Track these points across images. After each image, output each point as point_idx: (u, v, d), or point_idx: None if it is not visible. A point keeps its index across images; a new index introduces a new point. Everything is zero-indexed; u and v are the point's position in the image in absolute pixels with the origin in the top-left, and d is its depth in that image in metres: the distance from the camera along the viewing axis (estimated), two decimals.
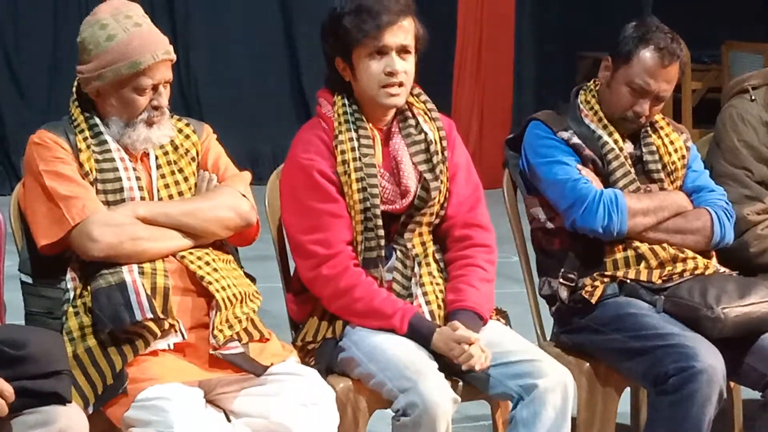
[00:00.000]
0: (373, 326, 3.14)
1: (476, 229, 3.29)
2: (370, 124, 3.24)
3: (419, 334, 3.12)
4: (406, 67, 3.18)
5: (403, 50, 3.17)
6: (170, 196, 3.10)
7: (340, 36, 3.17)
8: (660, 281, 3.43)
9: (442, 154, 3.27)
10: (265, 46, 9.13)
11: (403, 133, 3.26)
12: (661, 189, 3.56)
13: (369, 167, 3.18)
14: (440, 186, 3.25)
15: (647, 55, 3.48)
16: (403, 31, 3.16)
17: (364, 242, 3.18)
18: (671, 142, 3.62)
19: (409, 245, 3.24)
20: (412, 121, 3.27)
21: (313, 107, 9.17)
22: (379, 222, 3.18)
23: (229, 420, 2.96)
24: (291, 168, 3.24)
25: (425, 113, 3.30)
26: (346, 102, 3.22)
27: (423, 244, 3.28)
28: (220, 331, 2.97)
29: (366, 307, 3.14)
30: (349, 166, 3.17)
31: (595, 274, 3.47)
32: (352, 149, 3.19)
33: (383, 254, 3.20)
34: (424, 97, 3.32)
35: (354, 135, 3.20)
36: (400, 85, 3.18)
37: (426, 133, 3.26)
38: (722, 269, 3.53)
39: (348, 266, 3.16)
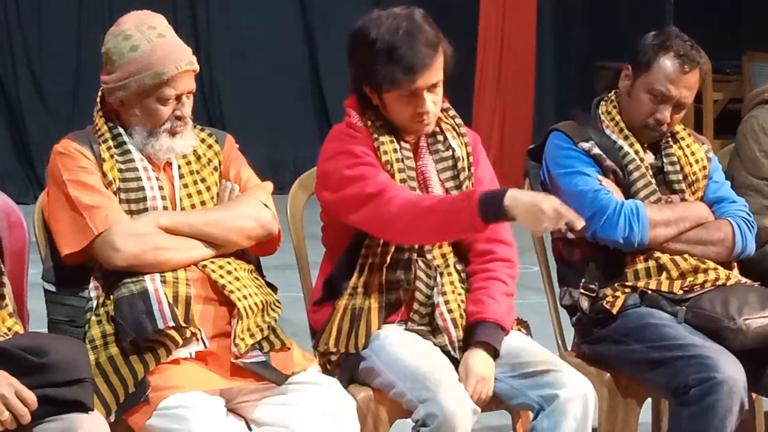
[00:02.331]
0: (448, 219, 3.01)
1: (498, 245, 3.28)
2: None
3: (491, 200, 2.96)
4: (435, 99, 3.16)
5: (433, 86, 3.15)
6: (193, 206, 3.12)
7: (369, 76, 3.12)
8: (681, 292, 3.43)
9: (469, 170, 3.27)
10: (287, 57, 9.16)
11: (431, 149, 3.27)
12: (682, 200, 3.56)
13: (410, 170, 3.19)
14: None
15: (667, 62, 3.48)
16: (435, 70, 3.13)
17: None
18: (692, 153, 3.61)
19: (429, 256, 3.25)
20: (440, 137, 3.27)
21: (334, 117, 9.18)
22: None
23: (249, 429, 2.97)
24: (331, 158, 3.18)
25: (453, 129, 3.30)
26: (379, 115, 3.21)
27: (443, 255, 3.28)
28: (242, 339, 2.98)
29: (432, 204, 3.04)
30: (392, 167, 3.17)
31: (616, 285, 3.47)
32: (395, 150, 3.19)
33: (414, 257, 3.19)
34: (452, 112, 3.31)
35: (394, 138, 3.20)
36: (431, 115, 3.17)
37: (453, 150, 3.26)
38: (744, 280, 3.52)
39: (399, 193, 3.06)
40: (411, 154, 3.22)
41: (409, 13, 3.15)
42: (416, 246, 3.19)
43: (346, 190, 3.14)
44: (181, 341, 2.95)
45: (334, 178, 3.18)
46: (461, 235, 3.17)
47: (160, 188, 3.08)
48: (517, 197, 2.95)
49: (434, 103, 3.16)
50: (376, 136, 3.19)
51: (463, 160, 3.27)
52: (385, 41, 3.09)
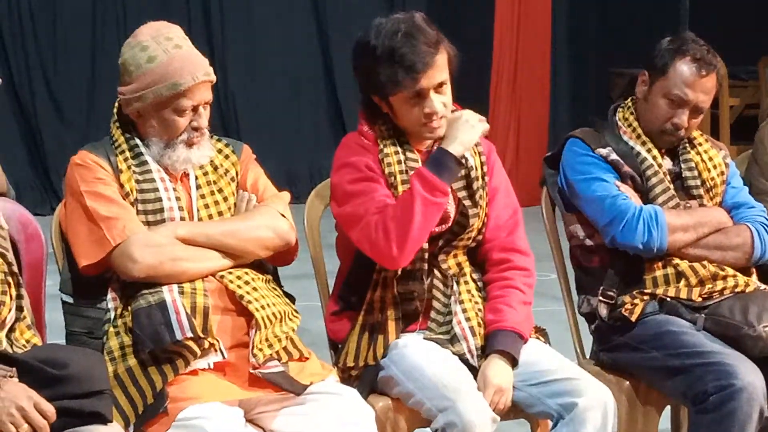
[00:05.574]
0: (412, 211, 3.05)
1: (515, 254, 3.28)
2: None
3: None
4: (444, 99, 3.16)
5: (439, 86, 3.15)
6: (210, 217, 3.12)
7: (374, 82, 3.13)
8: (700, 299, 3.42)
9: (483, 179, 3.27)
10: (302, 66, 9.19)
11: None
12: (701, 205, 3.55)
13: None
14: (479, 212, 3.24)
15: (684, 66, 3.48)
16: (438, 70, 3.12)
17: None
18: (710, 159, 3.61)
19: (444, 266, 3.24)
20: None
21: (349, 126, 9.20)
22: None
23: None
24: (338, 170, 3.21)
25: None
26: (389, 125, 3.22)
27: (458, 264, 3.27)
28: (260, 350, 2.98)
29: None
30: (395, 180, 3.18)
31: (634, 292, 3.46)
32: (399, 162, 3.19)
33: (425, 268, 3.19)
34: None
35: (399, 149, 3.20)
36: (441, 117, 3.17)
37: (466, 159, 3.24)
38: (763, 286, 3.51)
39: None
40: (418, 165, 3.21)
41: (409, 16, 3.17)
42: (427, 256, 3.19)
43: (346, 205, 3.16)
44: (199, 352, 2.95)
45: (338, 192, 3.20)
46: (434, 208, 3.09)
47: (177, 199, 3.09)
48: (449, 139, 3.12)
49: (443, 104, 3.16)
50: (381, 147, 3.20)
51: (476, 170, 3.26)
52: (385, 45, 3.10)
